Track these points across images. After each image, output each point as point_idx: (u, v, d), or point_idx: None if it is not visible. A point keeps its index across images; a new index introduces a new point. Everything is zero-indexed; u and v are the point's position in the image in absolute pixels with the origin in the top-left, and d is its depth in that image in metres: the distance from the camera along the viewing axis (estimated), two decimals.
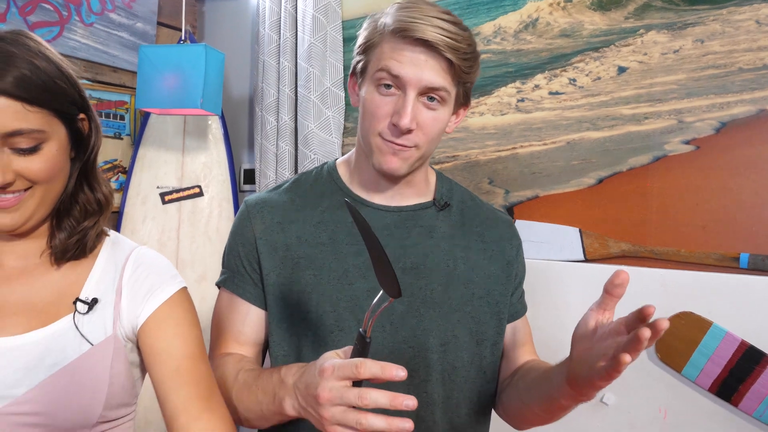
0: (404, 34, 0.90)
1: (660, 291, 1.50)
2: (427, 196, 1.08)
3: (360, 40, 0.99)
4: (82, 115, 0.85)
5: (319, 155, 2.12)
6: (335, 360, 0.74)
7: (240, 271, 1.03)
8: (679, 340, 1.45)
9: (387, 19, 0.94)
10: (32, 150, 0.78)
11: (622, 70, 1.65)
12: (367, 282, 0.98)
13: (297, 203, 1.04)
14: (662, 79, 1.59)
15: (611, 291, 0.73)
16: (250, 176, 2.50)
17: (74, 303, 0.84)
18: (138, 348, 0.88)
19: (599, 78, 1.68)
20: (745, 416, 1.40)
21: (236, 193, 2.46)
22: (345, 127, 2.17)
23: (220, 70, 2.06)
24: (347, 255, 1.00)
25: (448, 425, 1.00)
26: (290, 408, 0.82)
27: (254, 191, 2.40)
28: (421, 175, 1.05)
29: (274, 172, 2.25)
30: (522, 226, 1.76)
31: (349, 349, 0.77)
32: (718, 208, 1.51)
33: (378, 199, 1.04)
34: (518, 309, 1.10)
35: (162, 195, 2.30)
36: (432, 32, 0.89)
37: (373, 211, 1.03)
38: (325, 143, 2.13)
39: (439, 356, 0.99)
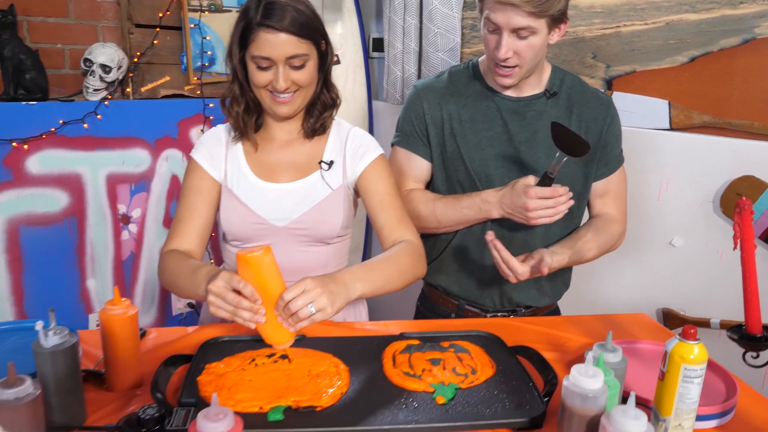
0: None
1: (730, 157, 1.81)
2: (541, 88, 1.48)
3: None
4: (323, 41, 1.28)
5: (441, 30, 2.44)
6: (536, 187, 1.30)
7: (413, 134, 1.51)
8: (739, 197, 1.78)
9: None
10: (301, 67, 1.23)
11: None
12: (494, 149, 1.45)
13: (450, 89, 1.49)
14: None
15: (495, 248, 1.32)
16: (378, 44, 2.85)
17: (320, 163, 1.34)
18: (355, 191, 1.39)
19: None
20: None
21: (367, 60, 2.84)
22: (465, 2, 2.45)
23: None
24: (481, 130, 1.45)
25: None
26: (496, 214, 1.38)
27: (383, 58, 2.77)
28: (535, 75, 1.45)
29: (401, 43, 2.60)
30: (618, 97, 2.06)
31: (531, 178, 1.33)
32: None
33: (505, 90, 1.46)
34: (602, 171, 1.51)
35: None
36: None
37: (501, 100, 1.46)
38: (446, 18, 2.43)
39: None
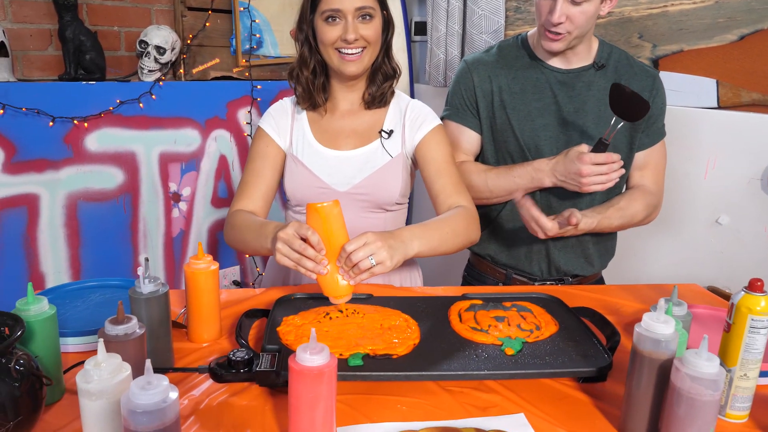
0: None
1: None
2: (589, 60, 1.52)
3: None
4: (385, 11, 1.34)
5: (486, 11, 2.47)
6: (590, 153, 1.31)
7: (462, 107, 1.56)
8: None
9: None
10: (369, 20, 1.29)
11: None
12: (544, 119, 1.49)
13: (500, 63, 1.54)
14: None
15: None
16: (420, 28, 2.89)
17: (380, 132, 1.39)
18: (412, 160, 1.44)
19: None
20: None
21: (410, 43, 2.88)
22: None
23: None
24: (531, 101, 1.49)
25: None
26: (548, 183, 1.41)
27: (425, 42, 2.81)
28: (583, 46, 1.49)
29: (444, 25, 2.63)
30: (665, 77, 2.06)
31: (585, 146, 1.34)
32: None
33: (554, 62, 1.51)
34: (645, 142, 1.54)
35: None
36: None
37: (550, 72, 1.51)
38: (491, 0, 2.46)
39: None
